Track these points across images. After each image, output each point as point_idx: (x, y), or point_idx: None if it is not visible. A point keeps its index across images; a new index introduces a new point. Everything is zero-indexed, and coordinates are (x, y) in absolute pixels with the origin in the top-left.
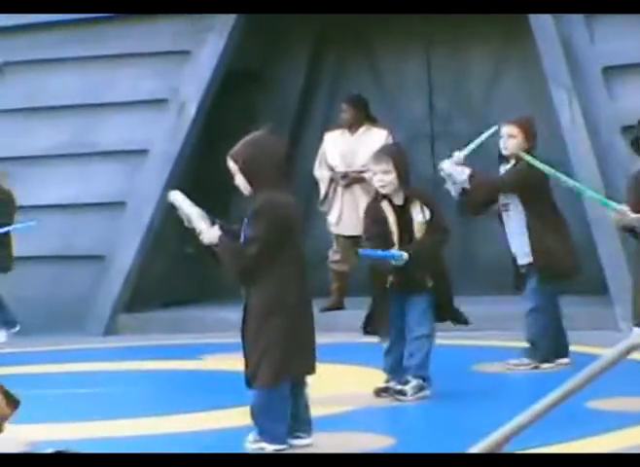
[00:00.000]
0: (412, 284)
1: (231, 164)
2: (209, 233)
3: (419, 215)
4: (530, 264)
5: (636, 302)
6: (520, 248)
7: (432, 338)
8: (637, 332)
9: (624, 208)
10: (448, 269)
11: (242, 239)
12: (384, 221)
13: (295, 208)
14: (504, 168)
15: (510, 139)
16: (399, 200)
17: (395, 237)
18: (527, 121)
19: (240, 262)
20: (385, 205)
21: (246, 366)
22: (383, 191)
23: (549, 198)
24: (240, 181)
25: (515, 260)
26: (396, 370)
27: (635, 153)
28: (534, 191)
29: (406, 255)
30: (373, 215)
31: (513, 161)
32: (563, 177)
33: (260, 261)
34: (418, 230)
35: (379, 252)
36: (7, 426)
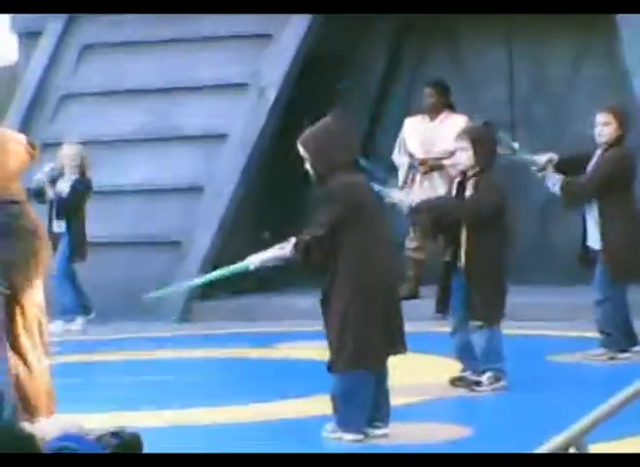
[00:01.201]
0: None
1: (302, 151)
2: (283, 250)
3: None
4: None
5: None
6: (594, 232)
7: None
8: None
9: None
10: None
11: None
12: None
13: (368, 190)
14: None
15: (604, 127)
16: (469, 177)
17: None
18: (619, 107)
19: (314, 247)
20: (456, 183)
21: (329, 350)
22: (459, 167)
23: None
24: (309, 165)
25: (585, 237)
26: (464, 353)
27: None
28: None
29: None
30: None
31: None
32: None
33: (332, 243)
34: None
35: None
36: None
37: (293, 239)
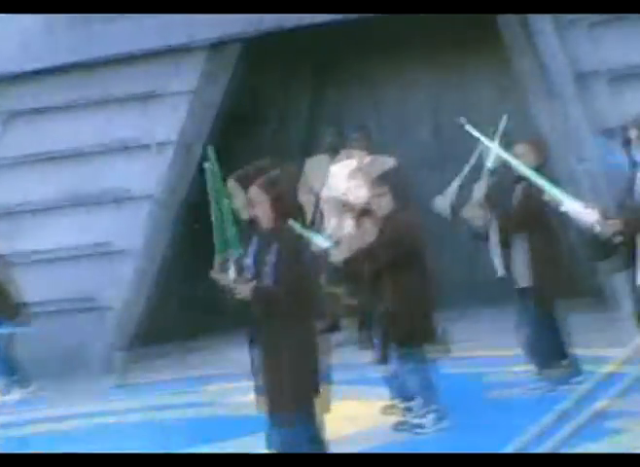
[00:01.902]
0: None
1: (259, 194)
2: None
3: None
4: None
5: None
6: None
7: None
8: None
9: None
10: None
11: (270, 271)
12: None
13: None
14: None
15: (522, 158)
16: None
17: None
18: (539, 137)
19: (274, 300)
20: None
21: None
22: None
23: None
24: (266, 212)
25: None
26: (405, 397)
27: (626, 155)
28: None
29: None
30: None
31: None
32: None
33: (288, 294)
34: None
35: None
36: None
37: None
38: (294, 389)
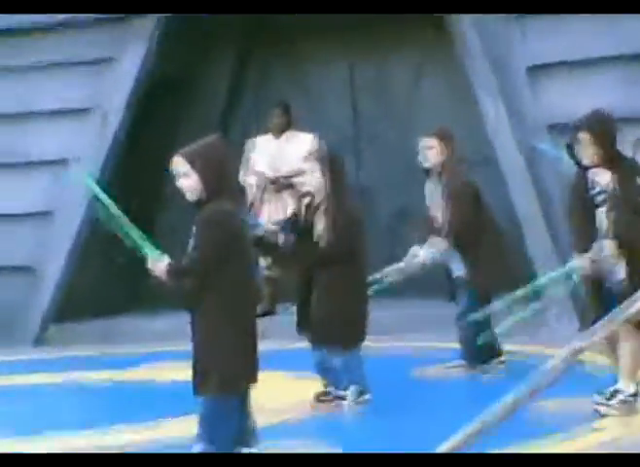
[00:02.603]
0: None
1: (183, 165)
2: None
3: (323, 222)
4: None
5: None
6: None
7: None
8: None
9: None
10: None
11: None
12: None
13: (241, 220)
14: (431, 181)
15: (429, 151)
16: (318, 200)
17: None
18: (445, 130)
19: (189, 274)
20: (303, 202)
21: (194, 373)
22: (308, 189)
23: None
24: (190, 184)
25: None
26: (327, 370)
27: (570, 157)
28: None
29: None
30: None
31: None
32: None
33: (210, 271)
34: (319, 234)
35: None
36: None
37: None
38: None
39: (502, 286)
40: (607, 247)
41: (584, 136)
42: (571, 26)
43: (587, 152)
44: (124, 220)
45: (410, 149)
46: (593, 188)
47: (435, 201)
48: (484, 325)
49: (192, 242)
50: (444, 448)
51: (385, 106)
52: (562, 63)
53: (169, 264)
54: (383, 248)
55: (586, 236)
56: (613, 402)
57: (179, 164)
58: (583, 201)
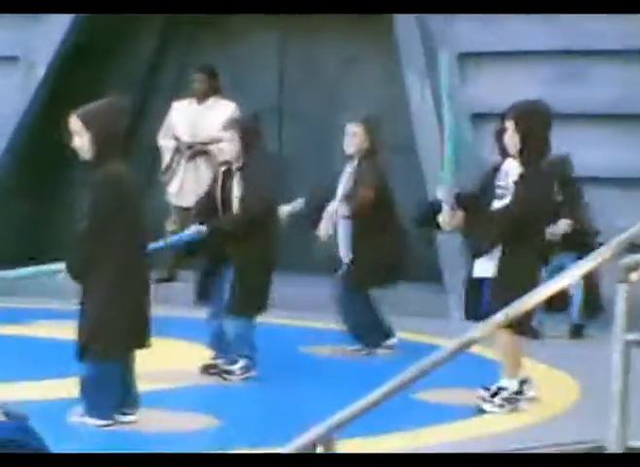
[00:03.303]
0: (217, 257)
1: (76, 124)
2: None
3: (238, 190)
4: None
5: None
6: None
7: (248, 310)
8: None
9: None
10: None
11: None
12: (213, 189)
13: (134, 181)
14: (350, 166)
15: (352, 138)
16: (234, 169)
17: (219, 206)
18: (371, 118)
19: (79, 245)
20: (220, 171)
21: (79, 337)
22: (225, 157)
23: None
24: (83, 143)
25: None
26: (218, 341)
27: (496, 144)
28: None
29: (203, 230)
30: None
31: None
32: None
33: (98, 234)
34: (235, 203)
35: (175, 238)
36: None
37: None
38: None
39: (379, 275)
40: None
41: (509, 125)
42: (505, 17)
43: (511, 140)
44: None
45: (334, 124)
46: (499, 180)
47: (344, 184)
48: (367, 309)
49: (85, 206)
50: (318, 428)
51: (313, 80)
52: (493, 53)
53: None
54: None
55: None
56: (496, 399)
57: (73, 123)
58: (485, 191)
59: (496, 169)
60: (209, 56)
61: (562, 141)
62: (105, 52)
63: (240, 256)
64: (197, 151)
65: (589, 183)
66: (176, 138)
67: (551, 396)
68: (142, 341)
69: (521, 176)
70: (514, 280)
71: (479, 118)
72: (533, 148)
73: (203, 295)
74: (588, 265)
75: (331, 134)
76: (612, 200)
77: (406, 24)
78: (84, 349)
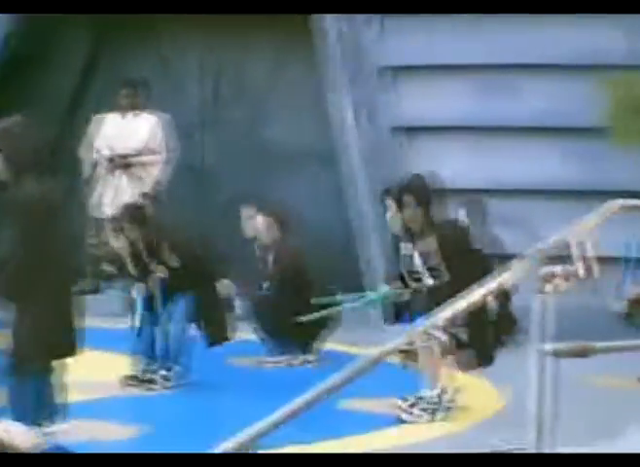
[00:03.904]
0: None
1: None
2: None
3: None
4: None
5: None
6: None
7: (183, 326)
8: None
9: None
10: None
11: None
12: None
13: (53, 194)
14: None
15: (264, 230)
16: None
17: None
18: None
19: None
20: None
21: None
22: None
23: None
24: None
25: None
26: (144, 351)
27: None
28: None
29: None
30: None
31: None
32: None
33: (21, 252)
34: None
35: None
36: None
37: None
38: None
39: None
40: None
41: (407, 199)
42: (431, 30)
43: (414, 215)
44: None
45: (260, 136)
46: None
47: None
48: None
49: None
50: (236, 440)
51: (240, 91)
52: (416, 67)
53: None
54: (220, 232)
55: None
56: (414, 410)
57: None
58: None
59: (405, 256)
60: (136, 69)
61: (489, 153)
62: (33, 65)
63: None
64: (119, 163)
65: (516, 195)
66: (97, 151)
67: (474, 404)
68: (64, 352)
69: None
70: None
71: (410, 131)
72: (432, 219)
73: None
74: (506, 277)
75: (255, 145)
76: (537, 212)
77: (330, 38)
78: (5, 363)
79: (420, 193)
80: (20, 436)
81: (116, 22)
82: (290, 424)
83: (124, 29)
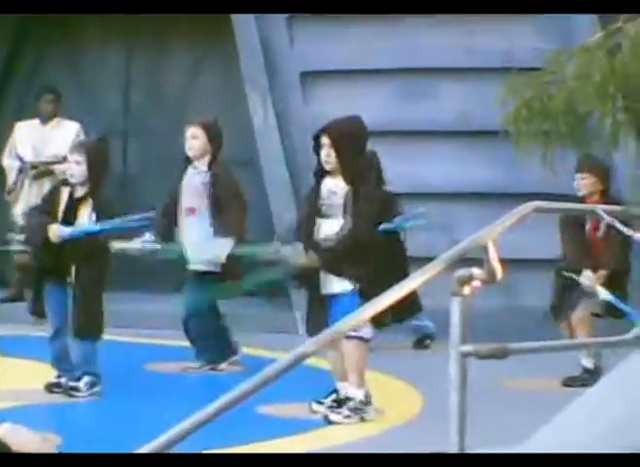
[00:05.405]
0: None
1: None
2: None
3: (86, 216)
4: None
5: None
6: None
7: (95, 332)
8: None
9: None
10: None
11: None
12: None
13: None
14: (192, 172)
15: (193, 140)
16: (81, 192)
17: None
18: (211, 121)
19: None
20: (64, 192)
21: None
22: (71, 180)
23: None
24: None
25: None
26: (62, 360)
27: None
28: None
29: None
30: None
31: (198, 164)
32: None
33: None
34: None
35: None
36: None
37: None
38: None
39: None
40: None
41: (324, 140)
42: (350, 34)
43: (328, 156)
44: None
45: (179, 142)
46: (322, 198)
47: (188, 188)
48: (215, 323)
49: None
50: (156, 443)
51: (158, 98)
52: (336, 72)
53: None
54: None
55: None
56: (343, 409)
57: None
58: (311, 209)
59: (317, 189)
60: (56, 75)
61: (409, 157)
62: None
63: (82, 278)
64: (42, 171)
65: (435, 199)
66: (20, 158)
67: (395, 406)
68: None
69: (350, 194)
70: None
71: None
72: (354, 164)
73: (38, 310)
74: (421, 277)
75: (176, 151)
76: (457, 215)
77: (248, 41)
78: None
79: (335, 134)
80: (29, 439)
81: (35, 27)
82: (206, 429)
83: (43, 34)
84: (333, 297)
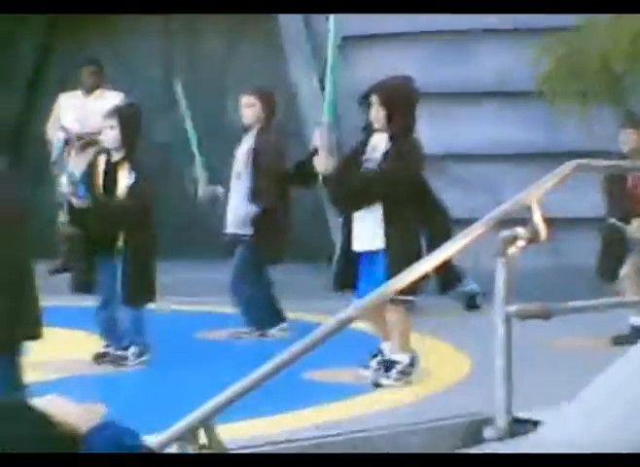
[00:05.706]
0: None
1: None
2: None
3: (126, 179)
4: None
5: None
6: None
7: (146, 300)
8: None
9: None
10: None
11: None
12: (96, 175)
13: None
14: (245, 138)
15: (247, 109)
16: (117, 157)
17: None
18: (265, 90)
19: None
20: (102, 160)
21: None
22: (107, 145)
23: None
24: None
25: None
26: (110, 330)
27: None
28: None
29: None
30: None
31: (251, 132)
32: None
33: None
34: (122, 191)
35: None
36: None
37: None
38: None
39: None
40: None
41: (373, 99)
42: None
43: (377, 115)
44: None
45: (219, 114)
46: (366, 153)
47: (240, 154)
48: (263, 289)
49: None
50: (204, 408)
51: (199, 71)
52: (377, 35)
53: None
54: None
55: None
56: (392, 373)
57: None
58: (351, 164)
59: (364, 144)
60: (95, 50)
61: (449, 119)
62: None
63: (132, 245)
64: (87, 142)
65: (475, 160)
66: (65, 130)
67: (442, 369)
68: (31, 333)
69: (390, 151)
70: (402, 253)
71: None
72: (399, 123)
73: (83, 284)
74: (464, 240)
75: (217, 121)
76: (499, 177)
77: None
78: None
79: (384, 94)
80: (69, 410)
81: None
82: (254, 395)
83: (80, 13)
84: (365, 254)
